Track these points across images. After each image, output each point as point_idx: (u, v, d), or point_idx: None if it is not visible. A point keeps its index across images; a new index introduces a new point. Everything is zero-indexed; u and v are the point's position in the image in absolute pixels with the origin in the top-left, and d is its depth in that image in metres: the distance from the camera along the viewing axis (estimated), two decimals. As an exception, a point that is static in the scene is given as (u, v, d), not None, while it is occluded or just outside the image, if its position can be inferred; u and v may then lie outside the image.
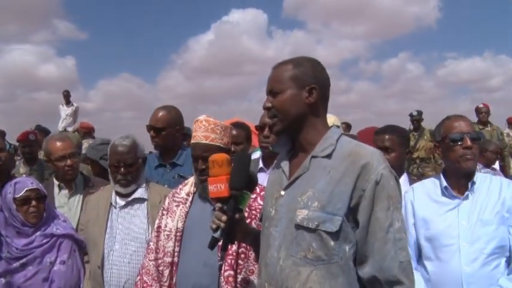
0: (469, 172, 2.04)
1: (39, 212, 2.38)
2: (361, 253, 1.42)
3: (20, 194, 2.33)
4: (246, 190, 1.55)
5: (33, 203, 2.35)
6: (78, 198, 2.83)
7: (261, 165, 2.94)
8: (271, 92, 1.54)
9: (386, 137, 2.53)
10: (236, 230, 1.55)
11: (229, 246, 1.90)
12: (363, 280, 1.42)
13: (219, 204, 1.55)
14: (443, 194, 2.10)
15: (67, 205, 2.78)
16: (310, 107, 1.50)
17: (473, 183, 2.05)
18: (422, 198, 2.15)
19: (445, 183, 2.10)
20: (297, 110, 1.50)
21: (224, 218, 1.50)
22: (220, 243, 1.55)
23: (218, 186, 1.54)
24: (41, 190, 2.41)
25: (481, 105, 7.29)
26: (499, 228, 1.95)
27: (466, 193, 2.05)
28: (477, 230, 1.96)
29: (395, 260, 1.37)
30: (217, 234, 1.51)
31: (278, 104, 1.51)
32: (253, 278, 1.91)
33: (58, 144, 2.83)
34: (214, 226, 1.52)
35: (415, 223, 2.13)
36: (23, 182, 2.40)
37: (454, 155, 2.04)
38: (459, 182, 2.08)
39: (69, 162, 2.78)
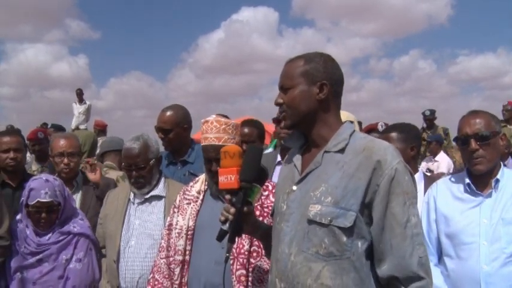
0: (480, 174, 1.98)
1: (50, 221, 2.37)
2: (377, 251, 1.39)
3: (32, 203, 2.31)
4: (256, 183, 1.53)
5: (43, 215, 2.34)
6: (78, 196, 2.84)
7: (278, 158, 2.94)
8: (282, 88, 1.54)
9: (388, 135, 2.49)
10: (244, 222, 1.54)
11: (241, 242, 1.90)
12: (380, 278, 1.40)
13: (228, 196, 1.54)
14: (466, 191, 2.05)
15: None
16: (320, 103, 1.49)
17: (498, 180, 1.98)
18: (445, 194, 2.11)
19: (468, 180, 2.04)
20: (306, 106, 1.49)
21: (232, 210, 1.49)
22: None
23: (228, 177, 1.53)
24: (54, 201, 2.34)
25: (506, 103, 7.25)
26: None
27: (490, 191, 1.98)
28: (498, 229, 1.90)
29: (414, 255, 1.36)
30: (225, 227, 1.50)
31: (288, 99, 1.51)
32: (266, 277, 1.87)
33: (61, 141, 2.84)
34: (222, 218, 1.51)
35: (437, 219, 2.09)
36: (37, 191, 2.31)
37: (464, 157, 2.04)
38: (483, 179, 2.01)
39: (65, 160, 2.78)
